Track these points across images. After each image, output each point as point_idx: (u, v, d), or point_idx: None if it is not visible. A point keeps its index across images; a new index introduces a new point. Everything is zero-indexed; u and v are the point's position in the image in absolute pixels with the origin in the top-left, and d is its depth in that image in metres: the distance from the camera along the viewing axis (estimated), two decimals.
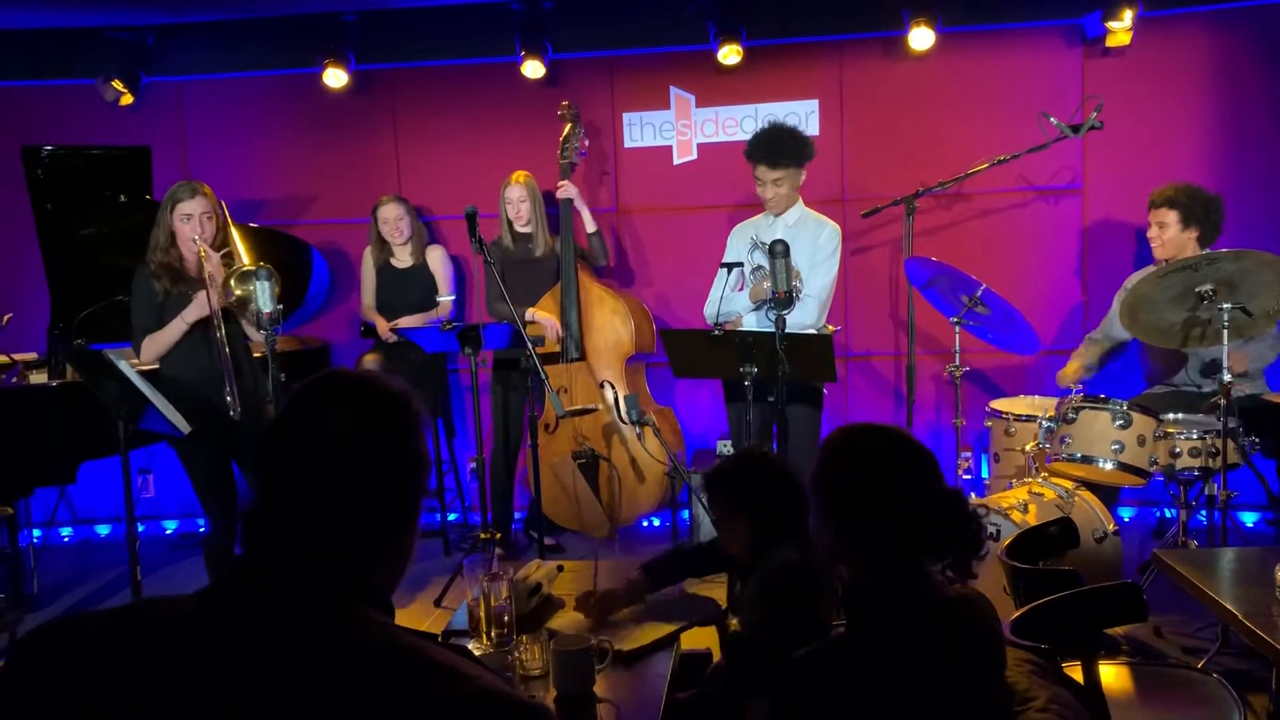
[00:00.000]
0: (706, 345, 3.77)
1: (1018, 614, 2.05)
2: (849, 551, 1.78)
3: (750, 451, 2.55)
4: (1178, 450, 3.65)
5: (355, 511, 1.20)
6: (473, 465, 5.24)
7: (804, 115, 5.23)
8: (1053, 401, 4.13)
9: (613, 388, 4.77)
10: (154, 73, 5.45)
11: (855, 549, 1.75)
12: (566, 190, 4.85)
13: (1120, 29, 4.82)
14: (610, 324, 4.83)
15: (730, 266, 4.19)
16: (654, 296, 5.42)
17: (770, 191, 4.20)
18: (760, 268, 4.21)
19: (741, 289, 4.27)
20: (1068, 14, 5.03)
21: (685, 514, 4.91)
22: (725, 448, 5.03)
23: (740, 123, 5.30)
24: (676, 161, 5.41)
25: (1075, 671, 2.08)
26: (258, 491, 1.22)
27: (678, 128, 5.38)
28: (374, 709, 1.08)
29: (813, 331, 4.07)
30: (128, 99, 5.32)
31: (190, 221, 3.59)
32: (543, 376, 4.05)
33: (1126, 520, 5.07)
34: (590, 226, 4.91)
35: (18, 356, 4.45)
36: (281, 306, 3.47)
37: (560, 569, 2.85)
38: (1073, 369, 4.46)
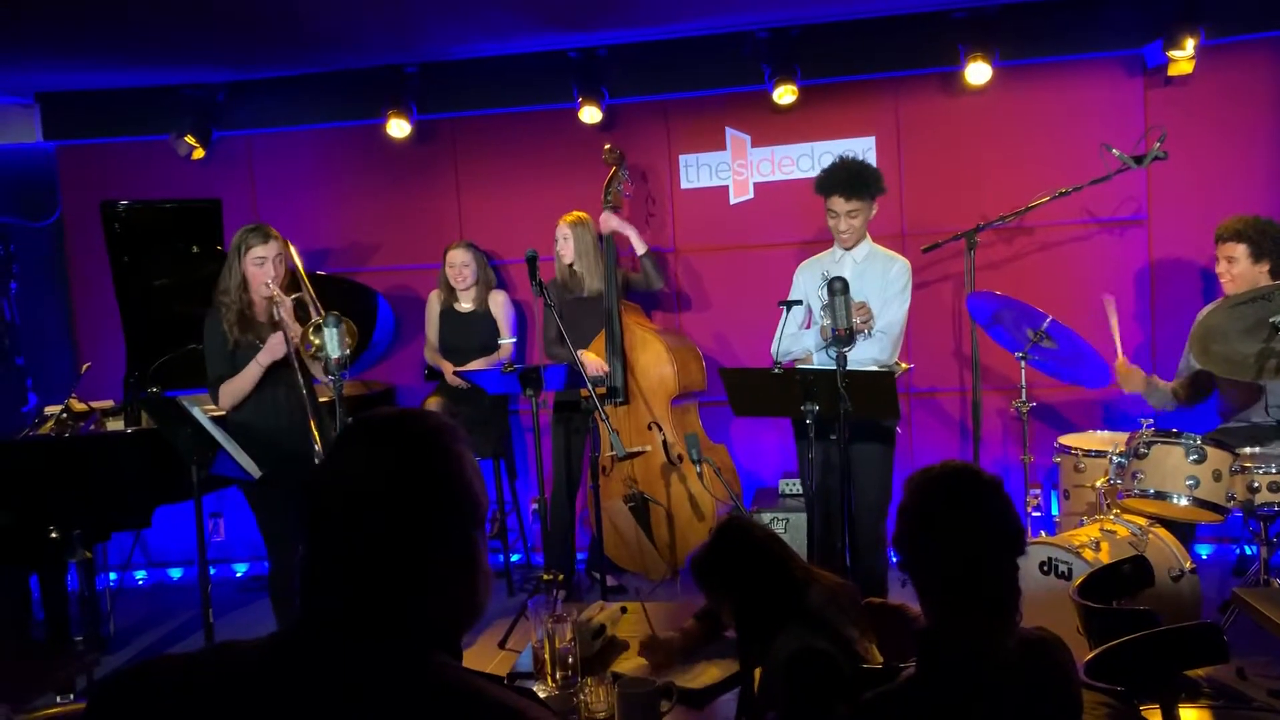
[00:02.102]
0: (766, 383, 3.76)
1: (1092, 655, 2.00)
2: (924, 593, 1.75)
3: (726, 528, 2.38)
4: (1256, 485, 3.54)
5: (402, 554, 1.18)
6: (535, 506, 5.27)
7: (861, 152, 5.22)
8: (1123, 436, 4.04)
9: (661, 429, 4.77)
10: (224, 127, 5.63)
11: (934, 584, 1.73)
12: (608, 223, 4.87)
13: (1182, 58, 4.75)
14: (654, 365, 4.82)
15: (789, 304, 4.17)
16: (713, 335, 5.43)
17: (844, 224, 4.11)
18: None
19: (809, 326, 4.23)
20: (1127, 44, 4.98)
21: None
22: (787, 486, 5.00)
23: (796, 161, 5.32)
24: (733, 201, 5.43)
25: (1154, 715, 2.02)
26: (305, 539, 1.21)
27: (734, 168, 5.41)
28: None
29: (875, 368, 4.04)
30: (199, 153, 5.50)
31: (263, 266, 3.65)
32: (603, 417, 4.07)
33: (1204, 558, 4.92)
34: (640, 248, 4.91)
35: (95, 404, 4.58)
36: (349, 352, 3.52)
37: (624, 610, 2.84)
38: (1139, 376, 4.28)
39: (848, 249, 4.19)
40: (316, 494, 1.21)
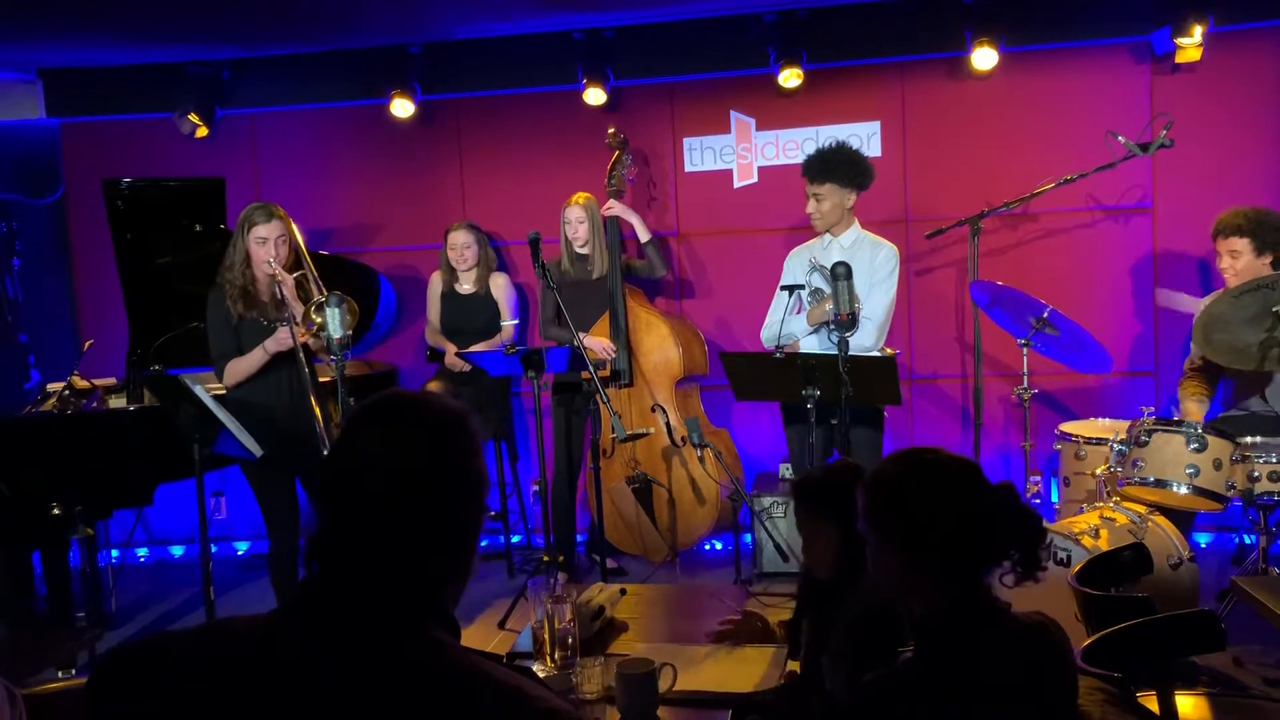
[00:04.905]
0: (768, 368, 3.76)
1: (1089, 641, 2.01)
2: (918, 581, 1.75)
3: (844, 463, 2.43)
4: (1256, 474, 3.54)
5: (416, 535, 1.21)
6: (535, 488, 5.28)
7: (866, 137, 5.21)
8: (1124, 424, 4.04)
9: (664, 412, 4.77)
10: (228, 106, 5.62)
11: (925, 577, 1.73)
12: (612, 208, 4.87)
13: (1190, 45, 4.72)
14: (659, 348, 4.83)
15: (791, 289, 4.18)
16: (715, 319, 5.42)
17: (810, 206, 4.21)
18: (818, 290, 4.20)
19: (799, 312, 4.25)
20: (1135, 31, 4.95)
21: (747, 537, 4.89)
22: (787, 471, 5.00)
23: (801, 145, 5.30)
24: (737, 185, 5.42)
25: (1150, 702, 2.03)
26: (320, 517, 1.24)
27: (738, 151, 5.39)
28: None
29: (876, 354, 4.04)
30: (203, 131, 5.49)
31: (265, 245, 3.65)
32: (604, 399, 4.07)
33: (1203, 546, 4.92)
34: (643, 236, 4.91)
35: (98, 382, 4.59)
36: (351, 332, 3.51)
37: (623, 592, 2.86)
38: (1192, 410, 4.10)
39: (834, 236, 4.23)
40: (337, 472, 1.24)
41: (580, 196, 4.86)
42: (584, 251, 4.89)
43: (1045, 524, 1.79)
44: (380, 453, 1.22)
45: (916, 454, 1.79)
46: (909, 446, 1.84)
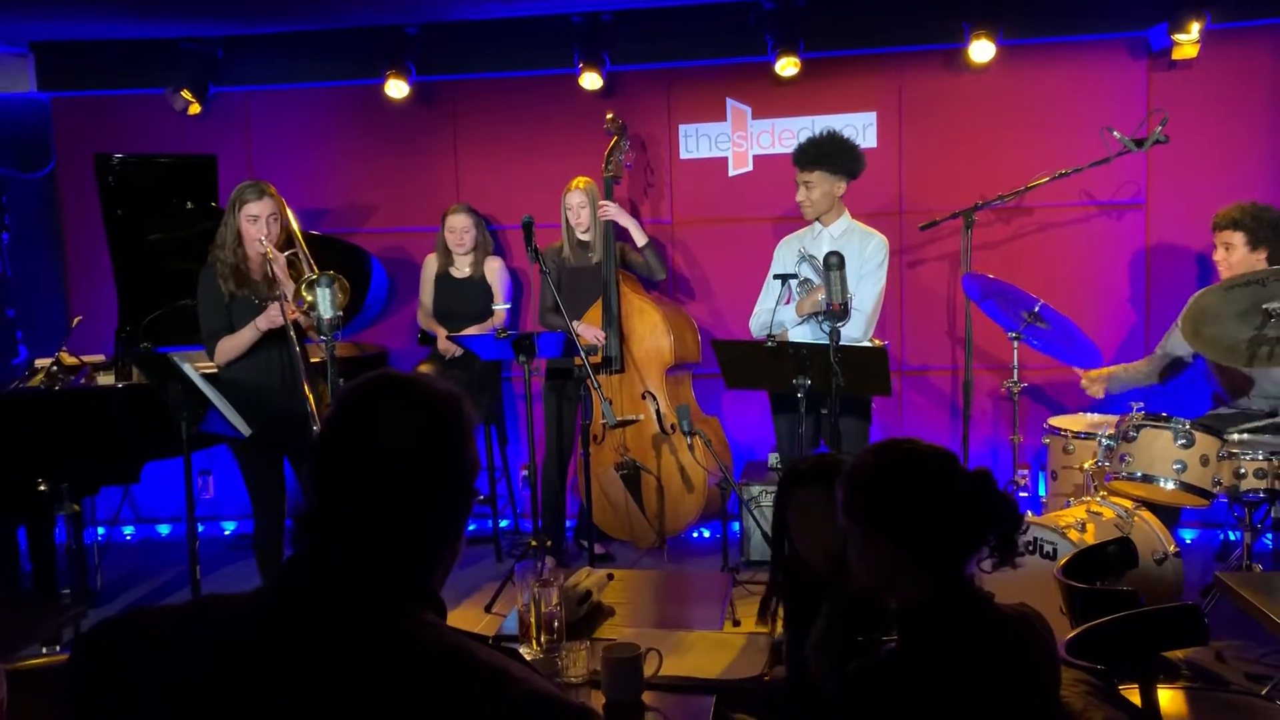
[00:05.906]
0: (760, 356, 3.77)
1: (1073, 634, 2.02)
2: (901, 573, 1.76)
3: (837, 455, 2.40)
4: (1243, 471, 3.56)
5: (412, 517, 1.21)
6: (525, 472, 5.28)
7: (861, 128, 5.20)
8: (1113, 419, 4.06)
9: (655, 399, 4.77)
10: (222, 83, 5.58)
11: (907, 569, 1.73)
12: (607, 211, 4.83)
13: (1187, 41, 4.72)
14: (651, 334, 4.82)
15: (784, 278, 4.18)
16: (708, 308, 5.42)
17: (801, 194, 4.20)
18: (807, 280, 4.20)
19: (788, 302, 4.25)
20: (1132, 26, 4.95)
21: (735, 525, 4.90)
22: (775, 460, 5.01)
23: (797, 135, 5.27)
24: (732, 173, 5.41)
25: (1133, 695, 2.04)
26: (313, 495, 1.23)
27: (734, 139, 5.38)
28: (425, 708, 1.10)
29: (866, 345, 4.05)
30: (196, 109, 5.45)
31: (256, 223, 3.64)
32: (595, 385, 4.08)
33: (1188, 542, 4.95)
34: (640, 240, 4.90)
35: (86, 358, 4.57)
36: (342, 313, 3.50)
37: (610, 577, 2.86)
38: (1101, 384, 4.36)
39: (809, 220, 4.24)
40: (329, 451, 1.23)
41: (581, 181, 4.84)
42: (585, 238, 4.87)
43: (1028, 514, 1.80)
44: (374, 433, 1.22)
45: (894, 445, 1.79)
46: (886, 438, 1.85)
